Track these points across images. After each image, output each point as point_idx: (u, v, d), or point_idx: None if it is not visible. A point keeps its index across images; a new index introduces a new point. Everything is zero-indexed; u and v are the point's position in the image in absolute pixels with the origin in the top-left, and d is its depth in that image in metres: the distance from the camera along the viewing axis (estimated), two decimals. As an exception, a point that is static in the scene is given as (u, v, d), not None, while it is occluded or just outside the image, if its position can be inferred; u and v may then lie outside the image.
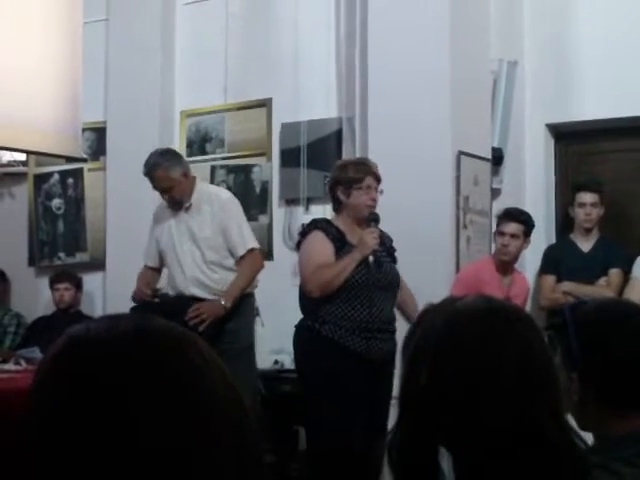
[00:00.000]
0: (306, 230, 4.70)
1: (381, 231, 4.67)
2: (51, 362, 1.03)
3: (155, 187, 5.41)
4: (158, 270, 5.57)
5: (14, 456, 1.02)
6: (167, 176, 5.27)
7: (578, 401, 1.80)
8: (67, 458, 0.97)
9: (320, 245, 4.57)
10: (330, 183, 4.78)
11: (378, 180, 4.69)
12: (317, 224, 4.67)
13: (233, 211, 5.34)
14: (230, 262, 5.30)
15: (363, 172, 4.64)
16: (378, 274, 4.57)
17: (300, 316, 4.69)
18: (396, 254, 4.83)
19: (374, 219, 4.62)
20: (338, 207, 4.72)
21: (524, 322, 1.55)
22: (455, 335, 1.50)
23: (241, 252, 5.25)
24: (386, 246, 4.74)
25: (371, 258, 4.53)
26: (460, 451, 1.48)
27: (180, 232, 5.35)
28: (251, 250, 5.28)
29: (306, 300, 4.61)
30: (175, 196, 5.32)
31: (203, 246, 5.29)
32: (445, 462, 1.48)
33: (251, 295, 5.43)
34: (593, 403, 1.80)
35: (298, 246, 4.76)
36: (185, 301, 5.24)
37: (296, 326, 4.68)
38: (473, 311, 1.54)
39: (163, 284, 5.58)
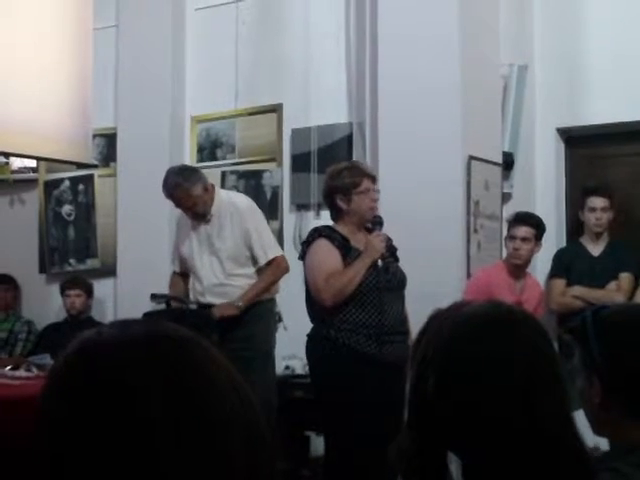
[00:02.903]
0: (310, 239, 4.62)
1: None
2: (63, 364, 1.04)
3: (178, 206, 5.43)
4: (187, 275, 5.60)
5: (24, 461, 1.02)
6: (189, 195, 5.29)
7: (598, 405, 1.77)
8: (79, 459, 0.97)
9: (327, 253, 4.51)
10: (326, 192, 4.68)
11: (374, 180, 4.67)
12: (320, 232, 4.59)
13: (253, 220, 5.36)
14: (251, 270, 5.34)
15: (359, 175, 4.60)
16: (387, 276, 4.55)
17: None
18: (403, 257, 4.79)
19: (379, 222, 4.61)
20: (337, 215, 4.65)
21: (531, 326, 1.55)
22: (462, 340, 1.50)
23: (262, 262, 5.32)
24: (387, 246, 4.70)
25: (380, 262, 4.52)
26: (468, 455, 1.48)
27: (200, 243, 5.39)
28: (273, 260, 5.34)
29: (318, 308, 4.55)
30: (199, 211, 5.35)
31: (222, 257, 5.33)
32: (454, 466, 1.48)
33: (269, 301, 5.44)
34: (613, 408, 1.77)
35: (302, 256, 4.67)
36: (199, 311, 5.33)
37: (309, 335, 4.62)
38: (480, 316, 1.54)
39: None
